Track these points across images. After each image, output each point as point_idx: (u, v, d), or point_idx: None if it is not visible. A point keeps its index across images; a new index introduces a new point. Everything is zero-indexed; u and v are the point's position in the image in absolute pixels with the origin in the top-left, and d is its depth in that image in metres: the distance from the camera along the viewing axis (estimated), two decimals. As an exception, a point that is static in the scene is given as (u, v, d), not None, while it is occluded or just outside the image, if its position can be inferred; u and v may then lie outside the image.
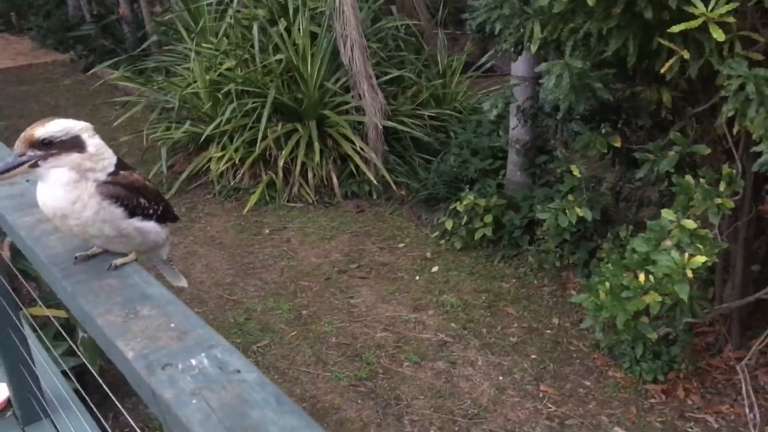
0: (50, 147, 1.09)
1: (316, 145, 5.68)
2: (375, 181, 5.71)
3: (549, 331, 4.12)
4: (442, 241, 5.14)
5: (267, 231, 5.49)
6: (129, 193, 1.16)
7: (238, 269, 4.97)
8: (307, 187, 5.82)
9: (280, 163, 5.72)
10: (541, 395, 3.62)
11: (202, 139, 5.99)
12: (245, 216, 5.69)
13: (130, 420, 3.15)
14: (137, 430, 3.48)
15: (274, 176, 5.83)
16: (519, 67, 4.88)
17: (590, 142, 3.64)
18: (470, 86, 6.85)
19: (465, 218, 4.94)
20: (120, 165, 1.19)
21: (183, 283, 1.44)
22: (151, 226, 1.21)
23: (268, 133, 5.77)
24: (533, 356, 3.91)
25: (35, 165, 1.09)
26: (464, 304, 4.43)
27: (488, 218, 4.85)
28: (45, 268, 1.15)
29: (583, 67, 3.11)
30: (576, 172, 3.92)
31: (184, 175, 6.05)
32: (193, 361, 0.83)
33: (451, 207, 5.09)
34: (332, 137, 5.88)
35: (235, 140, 5.91)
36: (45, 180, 1.11)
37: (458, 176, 5.39)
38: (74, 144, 1.12)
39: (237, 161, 5.86)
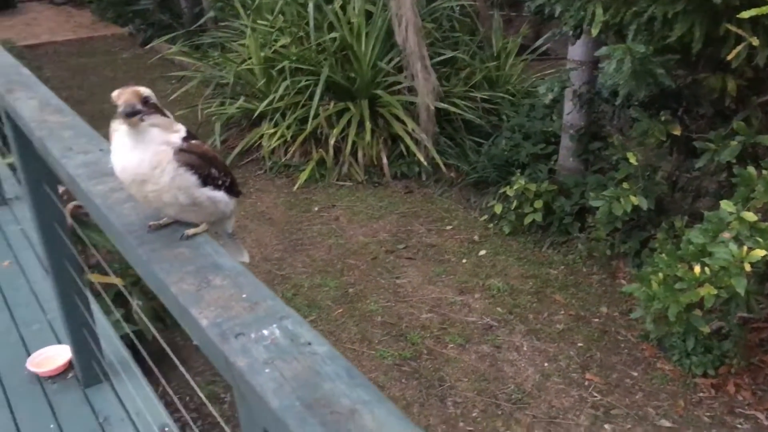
0: (148, 106, 1.14)
1: (368, 125, 5.69)
2: (425, 163, 5.70)
3: (597, 320, 4.08)
4: (491, 225, 5.11)
5: (316, 208, 5.54)
6: (202, 161, 1.19)
7: (287, 245, 5.04)
8: (356, 167, 5.84)
9: (331, 141, 5.76)
10: (586, 384, 3.59)
11: (255, 115, 6.06)
12: (295, 193, 5.76)
13: (194, 386, 3.24)
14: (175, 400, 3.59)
15: (324, 154, 5.87)
16: (576, 51, 4.79)
17: (648, 130, 3.57)
18: (524, 69, 6.76)
19: (514, 203, 4.91)
20: (189, 134, 1.22)
21: (245, 257, 1.45)
22: (221, 195, 1.23)
23: (320, 112, 5.80)
24: (580, 344, 3.88)
25: (142, 119, 1.13)
26: (511, 288, 4.41)
27: (538, 204, 4.80)
28: (119, 236, 1.18)
29: (645, 52, 3.04)
30: (632, 160, 3.85)
31: (236, 151, 6.14)
32: (265, 332, 0.85)
33: (501, 191, 5.06)
34: (383, 117, 5.89)
35: (287, 117, 5.96)
36: (136, 141, 1.13)
37: (509, 160, 5.34)
38: (159, 109, 1.17)
39: (288, 138, 5.91)
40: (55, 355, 2.56)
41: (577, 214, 4.77)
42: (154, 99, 1.15)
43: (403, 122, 5.77)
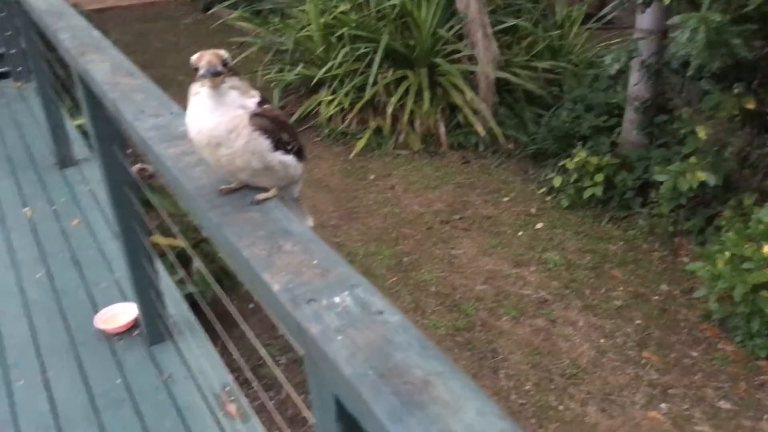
0: (227, 68, 1.15)
1: (426, 94, 5.64)
2: (483, 133, 5.63)
3: (656, 297, 3.99)
4: (548, 198, 5.03)
5: (372, 177, 5.55)
6: (275, 126, 1.19)
7: (343, 213, 5.07)
8: (413, 135, 5.81)
9: (389, 110, 5.73)
10: (643, 362, 3.53)
11: (314, 82, 6.07)
12: (351, 161, 5.77)
13: (257, 344, 3.31)
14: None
15: (381, 123, 5.85)
16: (645, 20, 4.62)
17: (720, 103, 3.43)
18: (588, 39, 6.56)
19: (574, 176, 4.81)
20: (263, 99, 1.23)
21: (310, 222, 1.45)
22: (291, 160, 1.24)
23: (379, 79, 5.77)
24: (637, 321, 3.81)
25: (223, 80, 1.13)
26: (568, 263, 4.35)
27: (599, 177, 4.69)
28: (191, 199, 1.19)
29: (721, 21, 2.91)
30: (702, 134, 3.72)
31: (294, 117, 6.17)
32: (337, 299, 0.85)
33: (561, 164, 4.96)
34: (442, 86, 5.82)
35: (345, 85, 5.95)
36: (216, 103, 1.13)
37: (570, 132, 5.23)
38: (236, 72, 1.18)
39: (346, 106, 5.91)
40: (121, 313, 2.64)
41: (639, 189, 4.65)
42: (230, 61, 1.16)
43: (461, 91, 5.69)
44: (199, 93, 1.14)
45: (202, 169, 1.25)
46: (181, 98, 1.59)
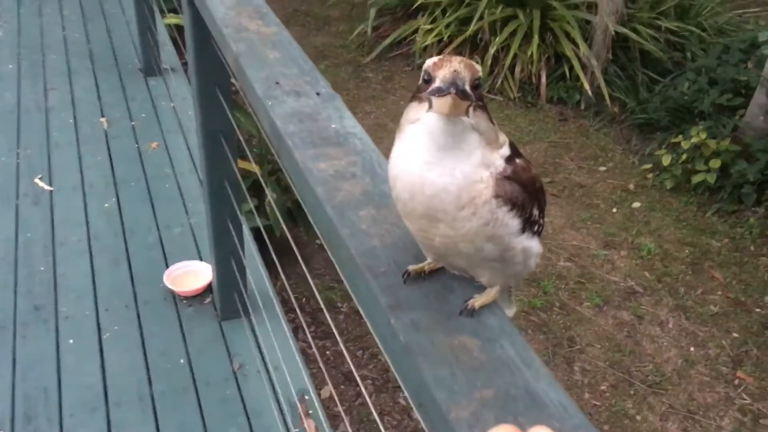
0: (477, 94, 0.70)
1: (535, 38, 5.16)
2: (588, 91, 5.15)
3: (759, 310, 3.60)
4: (651, 176, 4.59)
5: (461, 120, 5.17)
6: (528, 197, 0.77)
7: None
8: (511, 81, 5.37)
9: (491, 50, 5.27)
10: (736, 382, 3.20)
11: (414, 6, 5.63)
12: (441, 99, 5.38)
13: (314, 289, 3.10)
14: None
15: (480, 61, 5.40)
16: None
17: None
18: (723, 1, 5.89)
19: (685, 156, 4.35)
20: (513, 149, 0.78)
21: (512, 311, 1.01)
22: (536, 245, 0.84)
23: (485, 15, 5.29)
24: (735, 334, 3.45)
25: (467, 112, 0.70)
26: (663, 253, 3.97)
27: (714, 163, 4.23)
28: (350, 267, 0.79)
29: None
30: None
31: (387, 41, 5.78)
32: None
33: (673, 140, 4.49)
34: (552, 32, 5.31)
35: (447, 14, 5.49)
36: (445, 149, 0.71)
37: (688, 106, 4.72)
38: (485, 105, 0.73)
39: (445, 38, 5.47)
40: (194, 273, 2.34)
41: (758, 184, 4.17)
42: (481, 82, 0.72)
43: (573, 41, 5.18)
44: (422, 120, 0.71)
45: (374, 216, 0.84)
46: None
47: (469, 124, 0.70)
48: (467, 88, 0.68)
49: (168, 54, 3.80)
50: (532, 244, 0.82)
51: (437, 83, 0.68)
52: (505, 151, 0.76)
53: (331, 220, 0.84)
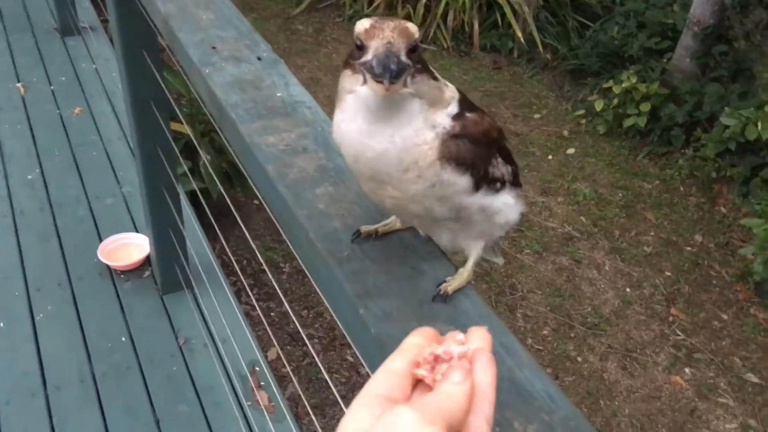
0: (414, 58, 0.67)
1: (465, -15, 5.09)
2: (521, 38, 5.14)
3: (689, 248, 3.74)
4: (584, 121, 4.66)
5: (395, 71, 5.10)
6: (479, 153, 0.74)
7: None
8: (444, 30, 5.31)
9: (422, -2, 5.19)
10: (670, 319, 3.33)
11: (342, -46, 5.47)
12: (374, 50, 5.29)
13: (256, 251, 3.03)
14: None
15: (411, 11, 5.32)
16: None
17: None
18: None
19: (617, 101, 4.42)
20: (463, 103, 0.75)
21: (500, 260, 1.02)
22: (501, 202, 0.79)
23: (415, -38, 5.19)
24: (667, 273, 3.58)
25: (405, 83, 0.67)
26: (598, 197, 4.06)
27: (645, 107, 4.31)
28: (309, 251, 0.73)
29: None
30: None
31: (314, -8, 5.62)
32: None
33: (604, 85, 4.56)
34: (483, -22, 5.25)
35: (377, -37, 5.36)
36: (385, 117, 0.68)
37: (618, 51, 4.78)
38: (426, 65, 0.70)
39: (375, -13, 5.35)
40: (130, 246, 2.22)
41: (686, 126, 4.29)
42: (418, 46, 0.68)
43: (504, -12, 5.15)
44: (358, 93, 0.69)
45: (332, 193, 0.77)
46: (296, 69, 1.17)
47: (407, 93, 0.68)
48: (403, 57, 0.65)
49: (85, 11, 3.57)
50: (496, 201, 0.79)
51: (370, 56, 0.65)
52: (453, 108, 0.73)
53: (285, 201, 0.78)
